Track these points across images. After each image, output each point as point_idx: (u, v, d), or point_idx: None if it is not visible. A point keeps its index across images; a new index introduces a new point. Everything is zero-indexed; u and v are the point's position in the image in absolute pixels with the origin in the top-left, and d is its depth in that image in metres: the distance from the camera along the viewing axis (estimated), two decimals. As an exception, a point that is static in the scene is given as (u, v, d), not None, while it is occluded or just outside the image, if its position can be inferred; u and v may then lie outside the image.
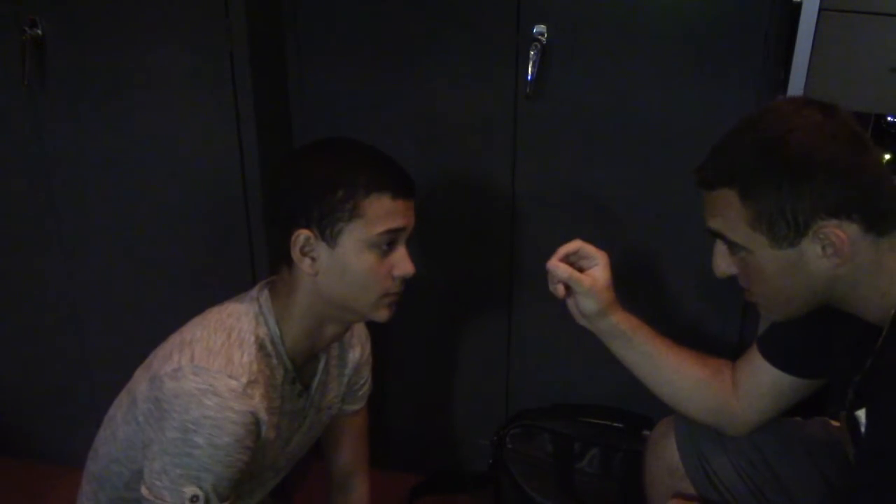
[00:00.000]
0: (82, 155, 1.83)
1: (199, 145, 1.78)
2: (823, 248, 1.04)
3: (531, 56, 1.65)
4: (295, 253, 1.23)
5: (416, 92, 1.77)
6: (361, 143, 1.29)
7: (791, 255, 1.06)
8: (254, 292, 1.31)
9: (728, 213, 1.08)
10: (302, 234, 1.22)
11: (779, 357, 1.30)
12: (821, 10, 1.39)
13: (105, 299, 1.97)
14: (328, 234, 1.22)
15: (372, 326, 1.45)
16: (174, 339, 1.26)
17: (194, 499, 1.18)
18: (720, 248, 1.14)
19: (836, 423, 1.41)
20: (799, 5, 1.41)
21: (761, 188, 1.04)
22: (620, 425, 1.84)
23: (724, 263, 1.14)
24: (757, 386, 1.33)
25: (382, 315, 1.29)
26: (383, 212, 1.22)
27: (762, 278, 1.10)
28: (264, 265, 1.85)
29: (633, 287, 1.85)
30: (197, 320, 1.28)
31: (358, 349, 1.48)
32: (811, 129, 1.04)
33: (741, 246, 1.09)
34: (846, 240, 1.03)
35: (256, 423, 1.22)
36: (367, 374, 1.52)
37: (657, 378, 1.37)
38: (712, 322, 1.85)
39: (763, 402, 1.34)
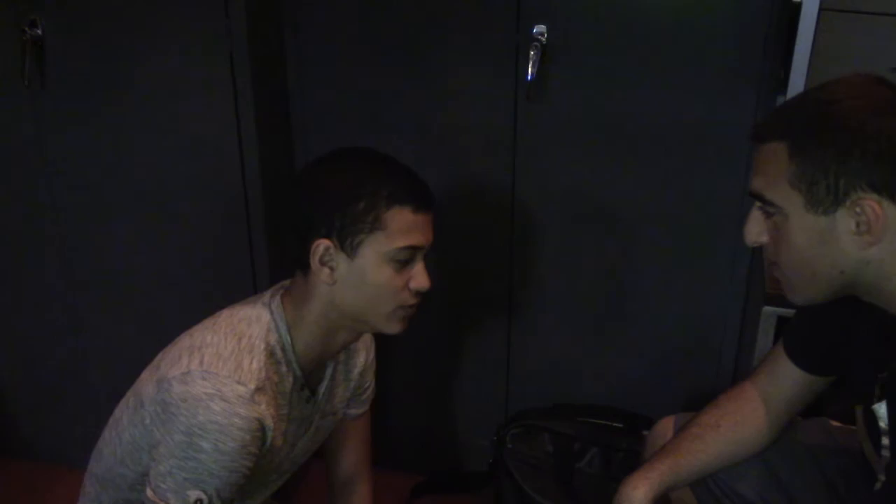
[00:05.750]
0: (82, 155, 1.83)
1: (198, 145, 1.78)
2: (857, 224, 1.02)
3: (531, 56, 1.65)
4: (314, 262, 1.23)
5: (415, 92, 1.77)
6: (383, 154, 1.28)
7: (823, 224, 1.04)
8: (266, 298, 1.30)
9: (771, 169, 1.06)
10: (322, 244, 1.22)
11: (803, 357, 1.29)
12: (821, 10, 1.39)
13: (105, 300, 1.97)
14: (348, 245, 1.22)
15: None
16: (183, 342, 1.26)
17: (198, 502, 1.18)
18: (754, 215, 1.12)
19: (836, 423, 1.42)
20: (799, 5, 1.41)
21: (811, 146, 1.02)
22: (620, 425, 1.84)
23: (755, 229, 1.12)
24: (782, 395, 1.32)
25: (395, 328, 1.29)
26: (404, 225, 1.22)
27: (791, 246, 1.08)
28: (264, 266, 1.85)
29: (632, 287, 1.86)
30: (207, 323, 1.28)
31: (363, 354, 1.48)
32: (875, 100, 1.02)
33: (777, 206, 1.07)
34: (882, 217, 1.00)
35: (262, 429, 1.22)
36: (370, 378, 1.53)
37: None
38: (712, 321, 1.85)
39: (788, 408, 1.33)
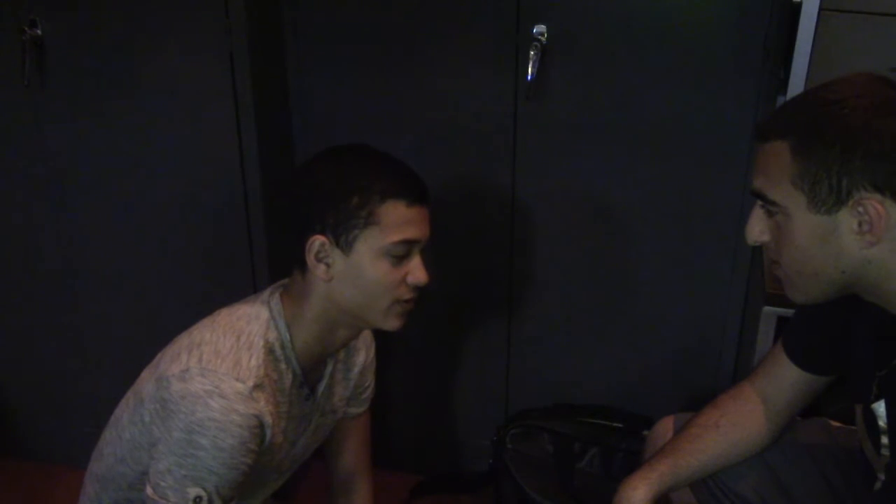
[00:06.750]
0: (82, 155, 1.83)
1: (198, 145, 1.78)
2: (860, 224, 1.02)
3: (531, 56, 1.65)
4: (310, 259, 1.23)
5: (415, 92, 1.77)
6: (376, 150, 1.28)
7: (825, 224, 1.04)
8: (265, 296, 1.31)
9: (774, 168, 1.06)
10: (317, 241, 1.22)
11: (803, 357, 1.29)
12: (821, 10, 1.39)
13: (105, 300, 1.97)
14: (343, 241, 1.22)
15: (372, 326, 1.45)
16: (182, 341, 1.26)
17: (197, 499, 1.18)
18: (756, 213, 1.12)
19: (836, 424, 1.42)
20: (799, 5, 1.41)
21: (814, 144, 1.02)
22: (620, 425, 1.84)
23: (757, 228, 1.12)
24: (781, 395, 1.32)
25: (394, 324, 1.29)
26: (399, 219, 1.22)
27: (793, 245, 1.08)
28: (264, 265, 1.85)
29: (632, 286, 1.86)
30: (206, 322, 1.28)
31: (363, 353, 1.48)
32: (878, 100, 1.02)
33: (779, 206, 1.07)
34: (884, 216, 1.00)
35: (261, 426, 1.22)
36: (370, 377, 1.53)
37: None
38: (712, 321, 1.85)
39: (787, 408, 1.33)
